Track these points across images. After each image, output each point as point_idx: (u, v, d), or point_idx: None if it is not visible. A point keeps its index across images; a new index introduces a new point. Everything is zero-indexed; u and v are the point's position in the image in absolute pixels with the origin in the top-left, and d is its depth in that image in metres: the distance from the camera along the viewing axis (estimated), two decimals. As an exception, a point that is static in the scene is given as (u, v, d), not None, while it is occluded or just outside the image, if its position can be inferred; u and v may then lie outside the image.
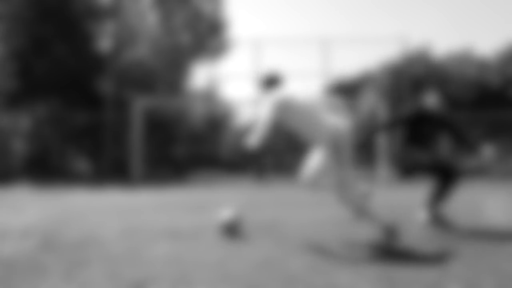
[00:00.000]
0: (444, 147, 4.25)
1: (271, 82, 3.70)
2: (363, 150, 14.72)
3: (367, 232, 3.63)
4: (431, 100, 4.20)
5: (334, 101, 3.58)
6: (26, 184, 11.09)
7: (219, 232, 3.68)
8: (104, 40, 16.43)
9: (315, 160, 3.31)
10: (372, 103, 14.87)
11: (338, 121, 3.29)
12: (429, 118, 4.14)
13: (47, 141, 14.28)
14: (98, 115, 14.26)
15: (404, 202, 6.52)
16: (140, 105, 13.12)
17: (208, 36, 17.81)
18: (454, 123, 4.17)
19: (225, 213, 3.71)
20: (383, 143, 12.76)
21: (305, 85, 19.10)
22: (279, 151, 16.08)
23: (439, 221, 3.89)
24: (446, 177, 3.92)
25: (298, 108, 3.32)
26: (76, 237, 3.43)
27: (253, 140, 3.33)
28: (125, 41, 16.42)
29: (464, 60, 18.11)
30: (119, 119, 14.14)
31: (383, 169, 12.59)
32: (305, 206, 6.00)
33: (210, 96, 18.34)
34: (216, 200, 7.06)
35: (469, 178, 12.64)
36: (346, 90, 17.79)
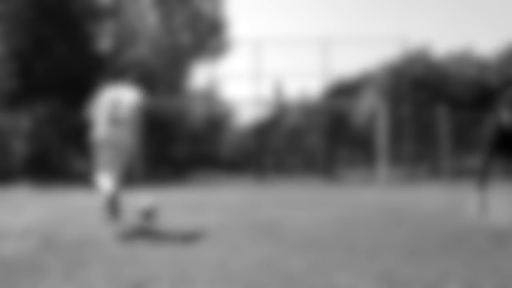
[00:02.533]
0: None
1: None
2: (364, 149, 14.70)
3: (367, 232, 3.63)
4: (507, 115, 3.99)
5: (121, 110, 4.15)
6: (26, 184, 11.08)
7: (137, 217, 4.02)
8: (104, 40, 16.42)
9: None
10: (372, 103, 14.86)
11: (104, 129, 4.02)
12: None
13: (47, 141, 14.28)
14: (98, 115, 14.23)
15: (404, 202, 6.52)
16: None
17: (208, 36, 17.80)
18: None
19: (143, 199, 4.06)
20: (383, 143, 12.75)
21: (305, 85, 19.10)
22: (279, 151, 16.08)
23: None
24: None
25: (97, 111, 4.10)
26: (76, 237, 3.43)
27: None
28: (125, 41, 16.42)
29: (464, 60, 18.09)
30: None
31: (383, 169, 12.59)
32: (305, 206, 6.00)
33: (210, 96, 18.34)
34: (216, 200, 7.06)
35: (469, 178, 12.64)
36: (346, 90, 17.78)
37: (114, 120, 4.06)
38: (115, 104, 4.10)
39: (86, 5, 15.55)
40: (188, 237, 3.43)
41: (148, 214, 3.91)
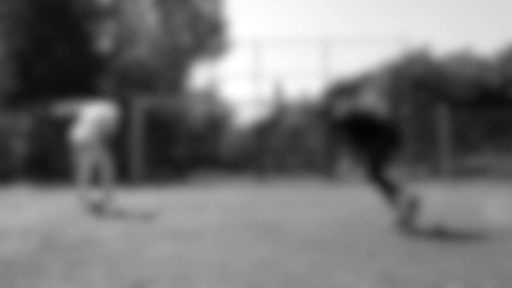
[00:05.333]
0: None
1: None
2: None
3: (367, 232, 3.63)
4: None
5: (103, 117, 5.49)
6: (26, 184, 11.09)
7: (88, 210, 5.22)
8: (104, 40, 16.43)
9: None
10: (372, 103, 14.85)
11: (81, 133, 5.33)
12: None
13: (47, 141, 14.28)
14: (98, 115, 14.22)
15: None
16: (140, 105, 13.13)
17: (208, 36, 17.81)
18: None
19: (93, 195, 5.51)
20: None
21: (305, 85, 19.10)
22: (279, 151, 16.08)
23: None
24: None
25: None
26: (76, 237, 3.43)
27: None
28: (125, 41, 16.42)
29: (464, 60, 18.09)
30: (119, 119, 14.12)
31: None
32: (305, 206, 5.99)
33: (210, 96, 18.34)
34: (216, 200, 7.06)
35: (469, 178, 12.65)
36: (346, 90, 17.78)
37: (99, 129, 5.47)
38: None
39: (86, 5, 15.56)
40: (188, 237, 3.43)
41: (97, 207, 5.32)
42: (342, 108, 4.19)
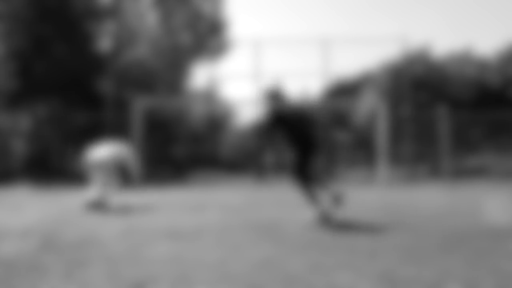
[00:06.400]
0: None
1: None
2: (363, 150, 14.71)
3: (367, 232, 3.63)
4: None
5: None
6: (26, 184, 11.09)
7: (87, 209, 5.49)
8: (104, 40, 16.43)
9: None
10: (372, 103, 14.86)
11: (97, 155, 5.81)
12: None
13: (47, 141, 14.27)
14: (98, 115, 14.26)
15: (404, 202, 6.51)
16: (140, 105, 13.12)
17: (208, 36, 17.81)
18: None
19: (91, 193, 5.70)
20: (383, 143, 12.75)
21: (305, 85, 19.10)
22: (279, 151, 16.06)
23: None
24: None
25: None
26: (76, 237, 3.43)
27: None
28: (125, 41, 16.42)
29: (464, 60, 18.09)
30: (119, 119, 14.14)
31: (383, 169, 12.59)
32: (305, 206, 5.99)
33: (210, 96, 18.35)
34: (216, 200, 7.06)
35: (469, 178, 12.65)
36: (346, 90, 17.78)
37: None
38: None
39: (86, 5, 15.56)
40: (188, 237, 3.43)
41: (97, 204, 5.63)
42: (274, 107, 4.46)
